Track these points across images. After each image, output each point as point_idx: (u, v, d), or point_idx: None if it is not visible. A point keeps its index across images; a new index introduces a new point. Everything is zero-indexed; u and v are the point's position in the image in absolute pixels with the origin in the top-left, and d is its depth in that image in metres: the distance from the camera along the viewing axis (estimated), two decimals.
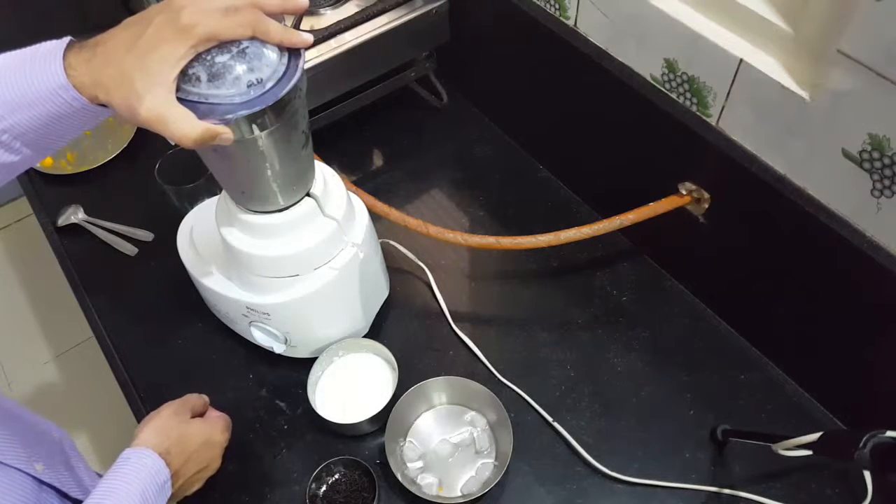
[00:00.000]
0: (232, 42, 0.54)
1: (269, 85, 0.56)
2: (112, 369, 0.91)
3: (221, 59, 0.54)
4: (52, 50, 0.51)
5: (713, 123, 0.77)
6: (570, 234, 0.85)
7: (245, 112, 0.55)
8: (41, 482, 0.66)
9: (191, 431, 0.72)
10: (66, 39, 0.52)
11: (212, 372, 0.89)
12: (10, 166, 0.55)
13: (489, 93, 1.15)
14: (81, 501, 0.70)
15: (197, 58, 0.53)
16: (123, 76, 0.50)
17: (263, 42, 0.56)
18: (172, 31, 0.51)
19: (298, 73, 0.58)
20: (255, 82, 0.56)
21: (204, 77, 0.54)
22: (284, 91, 0.57)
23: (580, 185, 1.05)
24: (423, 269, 0.96)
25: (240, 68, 0.55)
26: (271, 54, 0.57)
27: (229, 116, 0.55)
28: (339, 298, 0.82)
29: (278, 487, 0.80)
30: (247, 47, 0.55)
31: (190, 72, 0.54)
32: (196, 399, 0.77)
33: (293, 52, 0.58)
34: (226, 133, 0.55)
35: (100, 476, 0.76)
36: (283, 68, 0.57)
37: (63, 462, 0.71)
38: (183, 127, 0.52)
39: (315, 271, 0.77)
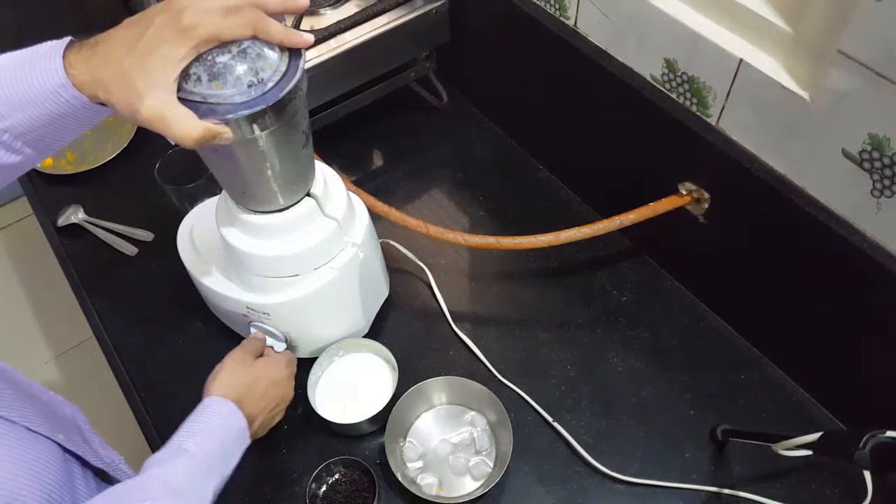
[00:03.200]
0: (232, 42, 0.54)
1: (269, 85, 0.56)
2: (112, 369, 0.91)
3: (222, 59, 0.54)
4: (52, 49, 0.51)
5: (713, 123, 0.77)
6: (570, 234, 0.85)
7: (246, 112, 0.55)
8: (65, 451, 0.67)
9: (256, 375, 0.76)
10: (67, 39, 0.52)
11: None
12: (11, 167, 0.55)
13: (489, 93, 1.15)
14: (101, 470, 0.71)
15: (198, 58, 0.53)
16: (124, 75, 0.50)
17: (264, 42, 0.56)
18: (173, 31, 0.51)
19: (299, 73, 0.58)
20: (256, 82, 0.56)
21: (205, 77, 0.54)
22: (285, 91, 0.57)
23: (580, 185, 1.05)
24: (423, 269, 0.96)
25: (240, 68, 0.55)
26: (272, 54, 0.57)
27: (230, 116, 0.55)
28: (339, 298, 0.82)
29: (278, 487, 0.80)
30: (247, 47, 0.55)
31: (191, 72, 0.54)
32: (255, 342, 0.81)
33: (293, 52, 0.59)
34: (226, 133, 0.55)
35: (115, 451, 0.77)
36: (283, 68, 0.57)
37: (79, 435, 0.72)
38: (184, 127, 0.52)
39: (315, 271, 0.77)
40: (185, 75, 0.54)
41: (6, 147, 0.53)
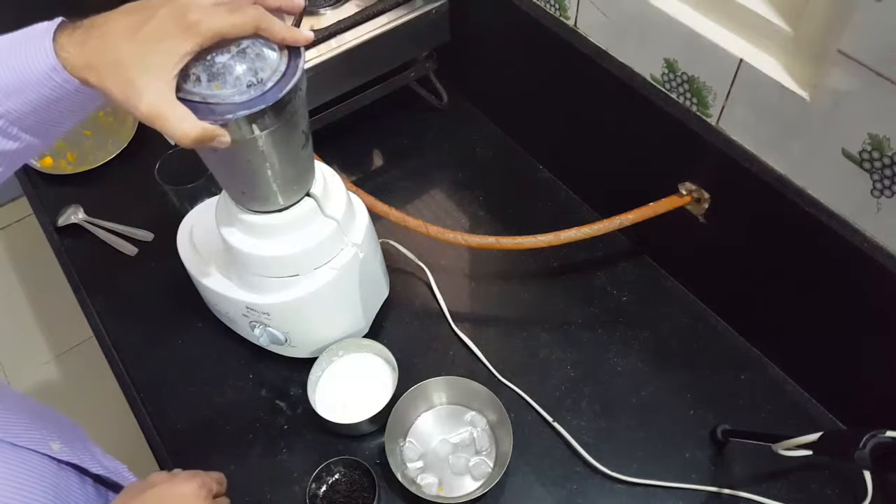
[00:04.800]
0: (232, 41, 0.54)
1: (269, 85, 0.56)
2: (112, 369, 0.91)
3: (221, 59, 0.54)
4: (42, 31, 0.50)
5: (713, 123, 0.77)
6: (570, 234, 0.85)
7: (245, 112, 0.55)
8: (59, 462, 0.65)
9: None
10: (58, 20, 0.51)
11: (212, 372, 0.89)
12: (13, 154, 0.54)
13: (489, 93, 1.15)
14: (101, 477, 0.70)
15: (197, 58, 0.53)
16: (121, 66, 0.49)
17: (264, 41, 0.56)
18: (179, 27, 0.50)
19: (298, 73, 0.58)
20: (256, 82, 0.56)
21: (204, 77, 0.54)
22: (285, 91, 0.57)
23: (580, 186, 1.05)
24: (423, 269, 0.96)
25: (239, 68, 0.55)
26: (271, 54, 0.57)
27: (229, 116, 0.55)
28: (339, 298, 0.82)
29: (278, 487, 0.80)
30: (246, 47, 0.55)
31: (190, 72, 0.54)
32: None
33: (293, 52, 0.59)
34: (224, 136, 0.55)
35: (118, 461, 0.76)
36: (283, 68, 0.57)
37: (80, 441, 0.71)
38: (183, 126, 0.52)
39: (315, 271, 0.77)
40: (184, 75, 0.53)
41: (4, 134, 0.52)
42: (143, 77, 0.49)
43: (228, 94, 0.55)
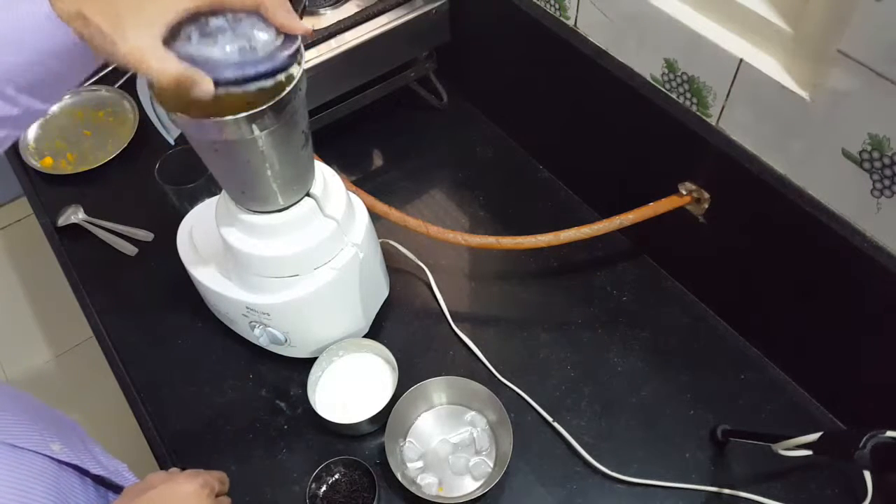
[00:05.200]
0: (232, 11, 0.53)
1: (261, 54, 0.55)
2: (112, 369, 0.91)
3: (216, 22, 0.53)
4: None
5: (713, 123, 0.77)
6: (570, 234, 0.85)
7: (232, 75, 0.54)
8: (60, 463, 0.64)
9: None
10: None
11: (212, 372, 0.90)
12: (12, 120, 0.53)
13: (489, 93, 1.15)
14: (102, 477, 0.70)
15: (191, 19, 0.52)
16: (116, 16, 0.48)
17: (260, 18, 0.55)
18: None
19: (294, 48, 0.56)
20: (248, 48, 0.54)
21: (195, 37, 0.53)
22: (279, 61, 0.55)
23: (580, 186, 1.05)
24: (423, 269, 0.96)
25: (233, 34, 0.53)
26: (266, 33, 0.55)
27: (222, 77, 0.53)
28: (339, 298, 0.82)
29: (278, 487, 0.80)
30: (242, 18, 0.54)
31: (181, 32, 0.52)
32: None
33: (289, 39, 0.57)
34: (204, 83, 0.53)
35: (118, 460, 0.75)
36: (278, 42, 0.56)
37: (80, 441, 0.71)
38: (163, 65, 0.50)
39: (315, 271, 0.77)
40: (174, 34, 0.52)
41: (1, 96, 0.51)
42: (133, 27, 0.49)
43: (219, 56, 0.53)
